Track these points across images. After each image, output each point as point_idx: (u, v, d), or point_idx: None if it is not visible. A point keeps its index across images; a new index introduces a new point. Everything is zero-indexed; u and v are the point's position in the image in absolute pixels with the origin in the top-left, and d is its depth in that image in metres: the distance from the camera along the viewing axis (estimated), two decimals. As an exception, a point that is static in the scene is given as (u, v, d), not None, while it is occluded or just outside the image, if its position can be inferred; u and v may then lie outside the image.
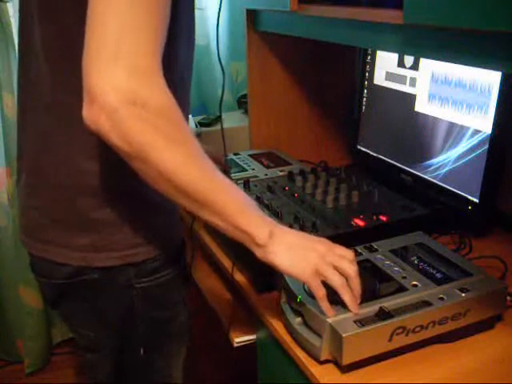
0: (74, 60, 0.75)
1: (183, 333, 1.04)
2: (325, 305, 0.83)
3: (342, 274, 0.83)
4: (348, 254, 0.85)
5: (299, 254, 0.82)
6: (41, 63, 0.86)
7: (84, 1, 0.70)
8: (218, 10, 1.15)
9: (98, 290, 0.92)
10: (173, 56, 0.87)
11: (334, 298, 0.85)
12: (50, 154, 0.88)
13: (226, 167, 1.34)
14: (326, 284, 0.83)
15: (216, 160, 1.13)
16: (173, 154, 0.72)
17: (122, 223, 0.89)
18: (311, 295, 0.88)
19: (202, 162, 0.76)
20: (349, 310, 0.83)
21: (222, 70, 1.19)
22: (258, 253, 0.82)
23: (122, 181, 0.87)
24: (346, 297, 0.83)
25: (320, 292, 0.82)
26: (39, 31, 0.85)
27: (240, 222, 0.79)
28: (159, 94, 0.71)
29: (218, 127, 1.69)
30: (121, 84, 0.67)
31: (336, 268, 0.82)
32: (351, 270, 0.83)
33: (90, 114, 0.70)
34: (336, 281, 0.82)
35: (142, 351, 0.98)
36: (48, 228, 0.91)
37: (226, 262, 1.17)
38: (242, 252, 1.08)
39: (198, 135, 1.67)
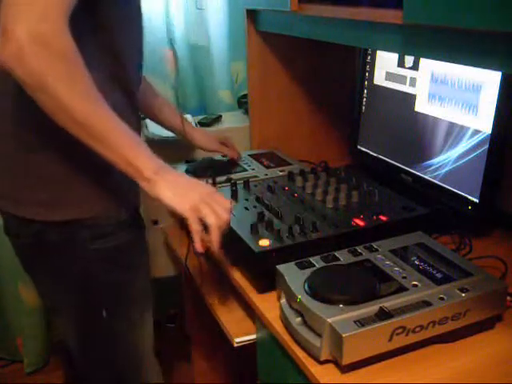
0: None
1: (145, 299, 1.10)
2: (197, 238, 0.93)
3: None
4: (226, 203, 0.96)
5: (182, 190, 0.93)
6: None
7: None
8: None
9: (57, 251, 1.01)
10: (109, 31, 0.96)
11: (334, 297, 0.86)
12: None
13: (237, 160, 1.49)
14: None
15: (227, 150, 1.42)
16: (70, 88, 0.82)
17: (73, 180, 0.98)
18: (311, 295, 0.88)
19: (99, 101, 0.86)
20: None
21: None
22: (145, 186, 0.91)
23: (73, 137, 0.90)
24: (215, 237, 0.93)
25: (196, 226, 0.93)
26: None
27: (130, 155, 0.88)
28: (61, 37, 0.81)
29: (217, 127, 1.69)
30: (31, 27, 0.78)
31: (213, 210, 0.93)
32: (224, 216, 0.94)
33: (1, 52, 0.79)
34: (212, 220, 0.93)
35: (104, 313, 1.04)
36: (6, 182, 1.01)
37: (226, 263, 1.17)
38: (242, 252, 1.08)
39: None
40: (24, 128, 0.96)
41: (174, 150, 1.60)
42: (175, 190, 0.92)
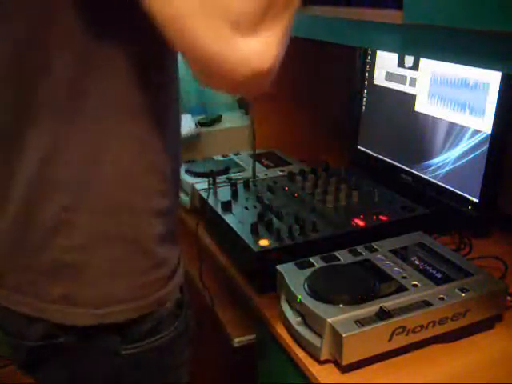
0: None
1: None
2: None
3: None
4: None
5: None
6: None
7: None
8: None
9: (77, 356, 0.76)
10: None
11: (334, 297, 0.86)
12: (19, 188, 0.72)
13: None
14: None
15: None
16: None
17: (100, 273, 0.73)
18: (311, 295, 0.88)
19: None
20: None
21: None
22: None
23: (108, 223, 0.72)
24: None
25: None
26: None
27: None
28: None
29: (218, 127, 1.69)
30: (271, 50, 0.60)
31: None
32: None
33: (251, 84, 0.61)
34: None
35: None
36: (16, 272, 0.75)
37: (226, 263, 1.17)
38: (242, 252, 1.08)
39: (198, 135, 1.67)
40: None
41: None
42: None
